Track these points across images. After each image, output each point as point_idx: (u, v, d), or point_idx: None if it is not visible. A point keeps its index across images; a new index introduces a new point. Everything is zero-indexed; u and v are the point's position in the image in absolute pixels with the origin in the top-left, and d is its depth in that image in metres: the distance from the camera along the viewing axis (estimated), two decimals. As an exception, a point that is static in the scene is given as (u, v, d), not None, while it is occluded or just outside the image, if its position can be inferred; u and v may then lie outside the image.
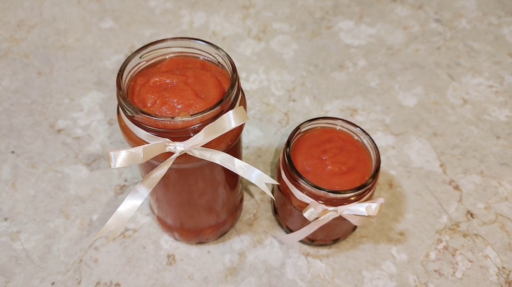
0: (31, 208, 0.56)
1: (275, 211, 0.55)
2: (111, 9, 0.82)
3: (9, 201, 0.57)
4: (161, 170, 0.37)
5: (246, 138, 0.64)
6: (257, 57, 0.75)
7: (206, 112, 0.35)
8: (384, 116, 0.68)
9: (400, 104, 0.69)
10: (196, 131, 0.36)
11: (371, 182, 0.45)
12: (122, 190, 0.58)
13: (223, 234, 0.54)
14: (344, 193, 0.44)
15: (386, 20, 0.82)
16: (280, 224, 0.55)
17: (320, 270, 0.52)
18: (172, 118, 0.34)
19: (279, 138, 0.65)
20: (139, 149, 0.34)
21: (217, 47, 0.40)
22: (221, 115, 0.36)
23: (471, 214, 0.58)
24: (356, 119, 0.67)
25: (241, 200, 0.55)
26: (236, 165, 0.37)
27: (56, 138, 0.63)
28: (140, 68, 0.41)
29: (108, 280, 0.51)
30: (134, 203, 0.36)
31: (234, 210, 0.53)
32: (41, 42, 0.75)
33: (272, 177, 0.60)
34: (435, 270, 0.53)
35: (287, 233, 0.54)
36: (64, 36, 0.76)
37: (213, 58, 0.42)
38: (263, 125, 0.66)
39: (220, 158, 0.37)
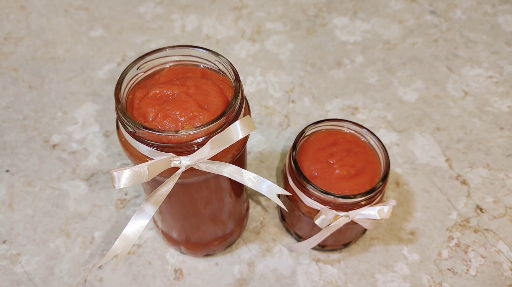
0: (30, 229, 0.54)
1: (283, 218, 0.54)
2: (100, 17, 0.80)
3: (7, 222, 0.55)
4: (167, 187, 0.35)
5: (247, 143, 0.63)
6: (253, 59, 0.74)
7: (211, 124, 0.33)
8: (385, 113, 0.67)
9: (400, 99, 0.68)
10: (201, 144, 0.34)
11: (381, 185, 0.44)
12: (123, 204, 0.56)
13: (230, 245, 0.53)
14: (354, 198, 0.43)
15: (381, 14, 0.81)
16: (288, 231, 0.54)
17: (332, 276, 0.51)
18: (176, 132, 0.33)
19: (280, 141, 0.63)
20: (144, 167, 0.32)
21: (217, 54, 0.39)
22: (226, 126, 0.35)
23: (481, 209, 0.57)
24: (358, 118, 0.66)
25: (247, 208, 0.54)
26: (245, 177, 0.36)
27: (51, 154, 0.61)
28: (138, 80, 0.39)
29: (115, 299, 0.49)
30: (141, 223, 0.35)
31: (241, 219, 0.51)
32: (30, 54, 0.73)
33: (278, 183, 0.59)
34: (448, 269, 0.52)
35: (296, 239, 0.53)
36: (53, 47, 0.74)
37: (213, 65, 0.40)
38: (264, 129, 0.65)
39: (228, 170, 0.35)
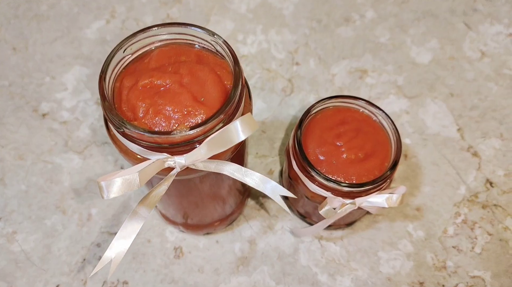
0: (25, 205, 0.53)
1: (285, 197, 0.52)
2: (84, -35, 0.72)
3: (0, 198, 0.53)
4: (162, 188, 0.33)
5: (248, 112, 0.59)
6: (254, 15, 0.68)
7: (207, 123, 0.30)
8: (396, 76, 0.62)
9: (413, 61, 0.63)
10: (199, 143, 0.31)
11: (390, 173, 0.41)
12: (120, 179, 0.54)
13: (231, 223, 0.51)
14: (361, 187, 0.40)
15: (395, -40, 0.73)
16: (290, 207, 0.52)
17: (335, 254, 0.50)
18: (169, 133, 0.30)
19: (283, 109, 0.59)
20: (134, 175, 0.29)
21: (212, 33, 0.34)
22: (225, 122, 0.31)
23: (491, 183, 0.54)
24: (367, 82, 0.62)
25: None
26: (247, 177, 0.33)
27: (42, 124, 0.58)
28: (126, 63, 0.35)
29: (115, 279, 0.49)
30: (135, 228, 0.33)
31: (242, 197, 0.49)
32: (11, 12, 0.67)
33: (279, 156, 0.56)
34: (453, 246, 0.51)
35: (299, 217, 0.51)
36: (36, 3, 0.68)
37: (209, 45, 0.36)
38: (266, 95, 0.61)
39: (229, 169, 0.33)
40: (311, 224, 0.51)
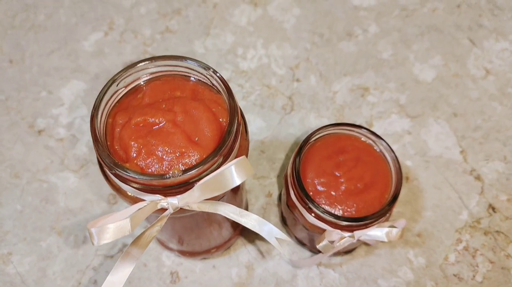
0: (20, 226, 0.52)
1: (284, 222, 0.51)
2: (83, -26, 0.71)
3: (-5, 218, 0.52)
4: (154, 229, 0.32)
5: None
6: (254, 28, 0.66)
7: (200, 165, 0.29)
8: (399, 94, 0.61)
9: (416, 79, 0.62)
10: (193, 184, 0.30)
11: (390, 207, 0.40)
12: (116, 199, 0.53)
13: (228, 248, 0.50)
14: (361, 221, 0.39)
15: (400, -28, 0.72)
16: (288, 233, 0.51)
17: (334, 281, 0.49)
18: (162, 177, 0.29)
19: (283, 128, 0.58)
20: (125, 221, 0.28)
21: (208, 67, 0.33)
22: (220, 164, 0.30)
23: (493, 208, 0.53)
24: (368, 100, 0.60)
25: (246, 208, 0.51)
26: (244, 218, 0.32)
27: (38, 141, 0.57)
28: (119, 97, 0.34)
29: (110, 303, 0.48)
30: (127, 269, 0.32)
31: (239, 225, 0.49)
32: (8, 21, 0.66)
33: (278, 177, 0.55)
34: (454, 275, 0.50)
35: (297, 243, 0.51)
36: (34, 13, 0.67)
37: (205, 78, 0.35)
38: (265, 113, 0.60)
39: (224, 210, 0.32)
40: (310, 251, 0.50)
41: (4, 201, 0.53)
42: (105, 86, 0.32)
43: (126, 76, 0.33)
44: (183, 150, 0.30)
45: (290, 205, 0.44)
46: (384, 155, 0.43)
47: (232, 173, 0.29)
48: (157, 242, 0.50)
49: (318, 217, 0.40)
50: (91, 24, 0.66)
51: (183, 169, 0.30)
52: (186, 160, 0.30)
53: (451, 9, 0.68)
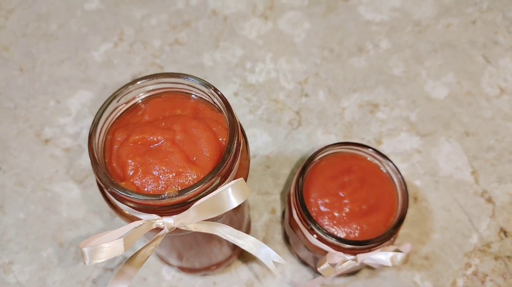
0: (22, 235, 0.52)
1: (287, 240, 0.50)
2: (96, -16, 0.71)
3: (-2, 226, 0.53)
4: (150, 248, 0.31)
5: (253, 145, 0.58)
6: (264, 41, 0.66)
7: (197, 186, 0.28)
8: (409, 112, 0.60)
9: (428, 96, 0.61)
10: (189, 205, 0.29)
11: (395, 231, 0.39)
12: (118, 211, 0.53)
13: (229, 265, 0.50)
14: (364, 244, 0.38)
15: (413, -13, 0.71)
16: (290, 251, 0.50)
17: (336, 303, 0.48)
18: (158, 197, 0.28)
19: (290, 144, 0.58)
20: (119, 242, 0.28)
21: (209, 86, 0.33)
22: (217, 184, 0.29)
23: (504, 232, 0.52)
24: (378, 117, 0.59)
25: (249, 225, 0.50)
26: (241, 240, 0.31)
27: (44, 150, 0.57)
28: (119, 113, 0.34)
29: (108, 318, 0.48)
30: (120, 289, 0.31)
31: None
32: (21, 30, 0.67)
33: (282, 194, 0.54)
34: (462, 301, 0.48)
35: (299, 262, 0.49)
36: (46, 22, 0.67)
37: (206, 96, 0.34)
38: (272, 128, 0.59)
39: (221, 231, 0.31)
40: (314, 271, 0.49)
41: (8, 209, 0.54)
42: (105, 103, 0.32)
43: (127, 93, 0.33)
44: (180, 170, 0.30)
45: (292, 224, 0.43)
46: (391, 176, 0.42)
47: (229, 195, 0.28)
48: (157, 257, 0.49)
49: (320, 238, 0.39)
50: (101, 34, 0.66)
51: (179, 189, 0.29)
52: (183, 180, 0.30)
53: (465, 25, 0.67)
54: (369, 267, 0.47)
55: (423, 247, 0.51)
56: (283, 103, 0.61)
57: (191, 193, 0.28)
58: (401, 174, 0.41)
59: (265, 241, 0.52)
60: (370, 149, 0.42)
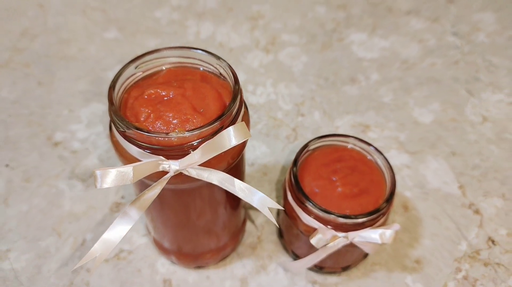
0: (23, 225, 0.53)
1: (281, 235, 0.52)
2: (115, 19, 0.80)
3: (1, 217, 0.54)
4: (154, 191, 0.33)
5: (252, 155, 0.61)
6: (265, 70, 0.72)
7: (204, 128, 0.32)
8: (398, 133, 0.64)
9: (415, 121, 0.65)
10: (193, 149, 0.32)
11: (385, 206, 0.41)
12: (119, 208, 0.55)
13: (224, 258, 0.50)
14: (355, 218, 0.40)
15: (401, 32, 0.79)
16: (285, 249, 0.51)
17: (328, 300, 0.48)
18: (167, 134, 0.31)
19: (286, 155, 0.61)
20: (129, 168, 0.30)
21: (218, 57, 0.37)
22: (220, 131, 0.33)
23: (493, 241, 0.53)
24: (369, 136, 0.63)
25: (244, 221, 0.52)
26: (236, 187, 0.34)
27: (53, 151, 0.60)
28: (136, 79, 0.38)
29: (99, 306, 0.47)
30: (124, 228, 0.33)
31: (236, 232, 0.49)
32: (43, 51, 0.73)
33: (277, 198, 0.56)
34: (454, 303, 0.48)
35: (293, 259, 0.50)
36: (67, 46, 0.74)
37: (214, 69, 0.38)
38: (270, 141, 0.63)
39: (219, 178, 0.34)
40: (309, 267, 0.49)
41: (12, 202, 0.55)
42: (124, 66, 0.36)
43: (143, 61, 0.37)
44: (189, 116, 0.33)
45: (287, 210, 0.45)
46: (377, 163, 0.45)
47: (230, 134, 0.32)
48: (154, 245, 0.50)
49: (312, 214, 0.41)
50: (117, 58, 0.73)
51: (188, 129, 0.32)
52: (190, 126, 0.33)
53: (449, 65, 0.74)
54: (364, 258, 0.48)
55: (414, 251, 0.52)
56: (281, 120, 0.65)
57: (196, 133, 0.32)
58: (384, 156, 0.44)
59: (259, 240, 0.53)
60: (351, 138, 0.46)
